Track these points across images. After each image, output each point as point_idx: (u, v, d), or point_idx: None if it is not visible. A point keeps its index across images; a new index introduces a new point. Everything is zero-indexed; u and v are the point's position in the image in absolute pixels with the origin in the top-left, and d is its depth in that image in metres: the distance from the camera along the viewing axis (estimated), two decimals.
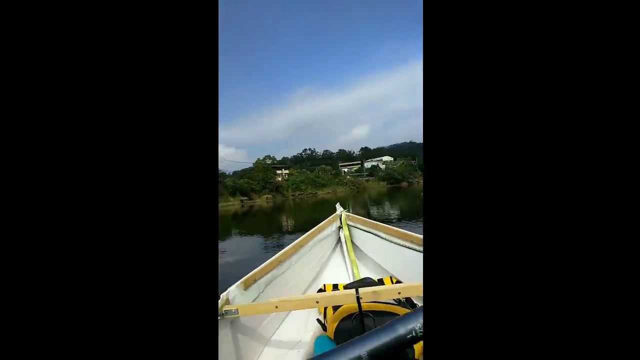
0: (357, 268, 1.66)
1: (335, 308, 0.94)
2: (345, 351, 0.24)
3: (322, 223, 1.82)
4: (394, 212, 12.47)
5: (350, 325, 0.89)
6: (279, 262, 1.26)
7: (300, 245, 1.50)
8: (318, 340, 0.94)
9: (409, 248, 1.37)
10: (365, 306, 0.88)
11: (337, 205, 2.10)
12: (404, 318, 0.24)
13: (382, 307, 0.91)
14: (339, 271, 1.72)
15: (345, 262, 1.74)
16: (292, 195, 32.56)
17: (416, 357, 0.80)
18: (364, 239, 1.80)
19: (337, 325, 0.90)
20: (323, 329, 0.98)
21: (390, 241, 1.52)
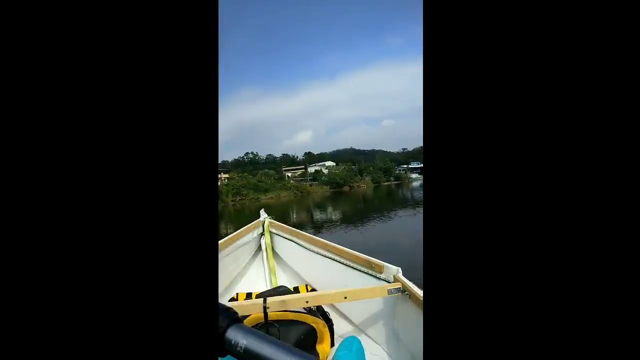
0: (275, 276, 1.66)
1: (244, 318, 0.92)
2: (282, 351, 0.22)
3: (242, 229, 1.74)
4: (337, 216, 12.87)
5: None
6: None
7: None
8: None
9: (327, 257, 1.38)
10: (273, 315, 0.87)
11: (262, 212, 2.03)
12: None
13: (290, 316, 0.91)
14: (257, 279, 1.69)
15: (265, 270, 1.72)
16: (232, 201, 30.96)
17: None
18: (285, 246, 1.77)
19: None
20: None
21: (310, 250, 1.52)
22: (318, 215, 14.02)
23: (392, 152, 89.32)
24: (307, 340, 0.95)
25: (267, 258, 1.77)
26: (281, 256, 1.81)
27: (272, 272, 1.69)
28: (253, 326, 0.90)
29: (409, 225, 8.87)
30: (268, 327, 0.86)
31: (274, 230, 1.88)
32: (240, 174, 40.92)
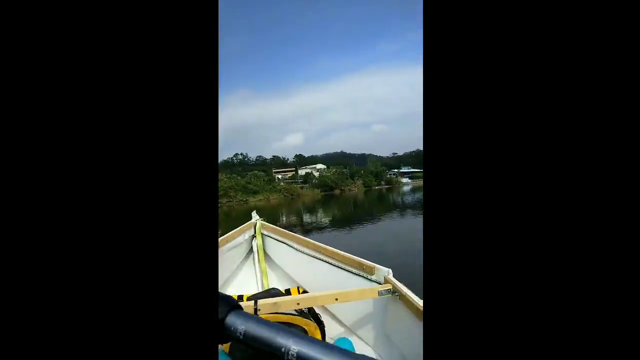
0: (267, 278, 1.65)
1: None
2: (280, 333, 0.23)
3: (233, 231, 1.73)
4: (327, 219, 12.57)
5: None
6: None
7: None
8: None
9: (318, 259, 1.39)
10: (264, 317, 0.77)
11: (253, 214, 2.03)
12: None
13: (282, 318, 0.91)
14: (248, 281, 1.69)
15: (256, 272, 1.71)
16: (220, 203, 30.19)
17: None
18: (276, 248, 1.77)
19: None
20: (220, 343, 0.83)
21: (301, 252, 1.53)
22: (308, 219, 13.65)
23: (383, 157, 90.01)
24: None
25: (259, 260, 1.76)
26: (273, 258, 1.80)
27: (263, 274, 1.67)
28: None
29: (399, 228, 8.68)
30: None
31: (265, 232, 1.87)
32: (229, 176, 40.12)
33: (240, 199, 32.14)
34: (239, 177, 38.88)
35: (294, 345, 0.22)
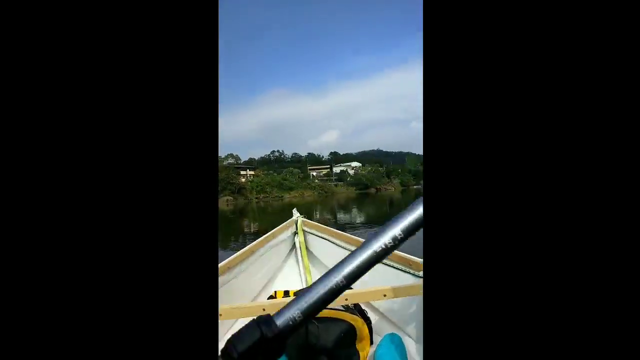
0: (310, 274, 1.67)
1: None
2: (324, 282, 0.24)
3: (276, 229, 1.79)
4: (361, 219, 12.29)
5: (295, 334, 0.82)
6: (228, 268, 1.23)
7: (252, 251, 1.46)
8: None
9: None
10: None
11: (294, 211, 2.07)
12: (378, 234, 0.24)
13: (329, 314, 0.92)
14: (292, 278, 1.73)
15: (299, 268, 1.75)
16: (257, 198, 31.26)
17: None
18: (319, 245, 1.79)
19: None
20: None
21: (344, 248, 1.53)
22: (342, 216, 13.48)
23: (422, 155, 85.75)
24: (346, 338, 0.92)
25: (302, 257, 1.78)
26: (315, 254, 1.81)
27: (307, 270, 1.70)
28: None
29: None
30: (307, 325, 0.86)
31: (307, 229, 1.89)
32: (266, 172, 41.37)
33: (276, 195, 32.97)
34: (275, 174, 39.91)
35: (338, 277, 0.24)
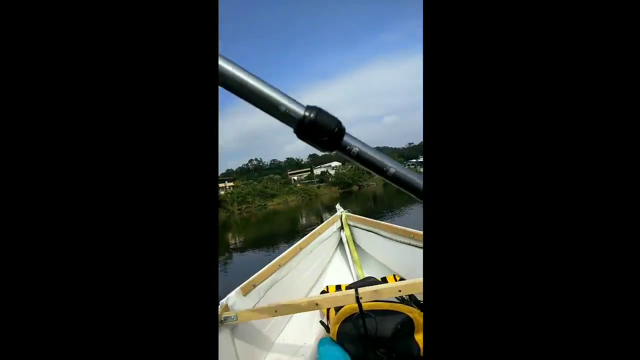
0: (361, 268, 1.68)
1: (338, 309, 0.95)
2: (381, 156, 0.25)
3: (322, 225, 1.83)
4: None
5: (351, 326, 0.91)
6: (279, 266, 1.27)
7: (300, 248, 1.49)
8: (321, 343, 0.96)
9: (410, 245, 1.40)
10: (366, 306, 0.88)
11: (337, 206, 2.11)
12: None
13: (384, 306, 0.92)
14: (342, 272, 1.73)
15: (349, 262, 1.75)
16: (239, 209, 30.24)
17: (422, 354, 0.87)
18: (365, 238, 1.79)
19: (339, 327, 0.93)
20: (326, 331, 1.01)
21: (392, 239, 1.53)
22: (328, 217, 13.14)
23: (399, 148, 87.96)
24: (404, 330, 0.91)
25: (350, 251, 1.78)
26: (363, 247, 1.81)
27: (356, 264, 1.69)
28: (348, 317, 0.92)
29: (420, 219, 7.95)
30: (364, 318, 0.86)
31: (352, 223, 1.90)
32: (245, 182, 40.25)
33: (259, 204, 32.07)
34: (255, 182, 38.93)
35: (392, 167, 0.25)
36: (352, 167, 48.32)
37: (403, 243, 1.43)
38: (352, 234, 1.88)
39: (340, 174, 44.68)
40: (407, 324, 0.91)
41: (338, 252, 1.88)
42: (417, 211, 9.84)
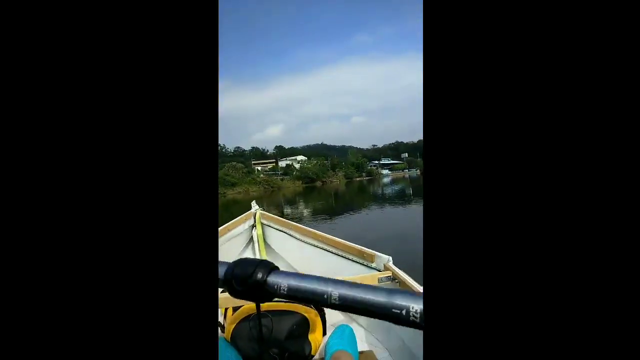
0: None
1: (237, 309, 0.94)
2: (321, 283, 0.24)
3: (233, 221, 1.78)
4: (308, 212, 12.38)
5: (248, 326, 0.91)
6: None
7: None
8: None
9: (318, 248, 1.41)
10: (265, 306, 0.89)
11: (253, 203, 2.07)
12: (404, 293, 0.22)
13: (283, 307, 0.92)
14: None
15: None
16: None
17: (312, 353, 0.90)
18: (276, 238, 1.78)
19: (234, 327, 0.91)
20: (221, 330, 0.98)
21: (302, 240, 1.55)
22: (289, 210, 13.38)
23: (363, 149, 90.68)
24: (299, 330, 0.93)
25: (259, 249, 1.76)
26: (273, 247, 1.81)
27: None
28: (245, 317, 0.91)
29: (380, 219, 8.71)
30: (260, 318, 0.88)
31: (265, 222, 1.88)
32: None
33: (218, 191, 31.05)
34: None
35: (334, 290, 0.23)
36: (317, 163, 48.82)
37: (311, 245, 1.46)
38: (263, 233, 1.86)
39: (305, 168, 44.96)
40: (303, 324, 0.94)
41: (248, 250, 1.85)
42: (374, 211, 10.48)
